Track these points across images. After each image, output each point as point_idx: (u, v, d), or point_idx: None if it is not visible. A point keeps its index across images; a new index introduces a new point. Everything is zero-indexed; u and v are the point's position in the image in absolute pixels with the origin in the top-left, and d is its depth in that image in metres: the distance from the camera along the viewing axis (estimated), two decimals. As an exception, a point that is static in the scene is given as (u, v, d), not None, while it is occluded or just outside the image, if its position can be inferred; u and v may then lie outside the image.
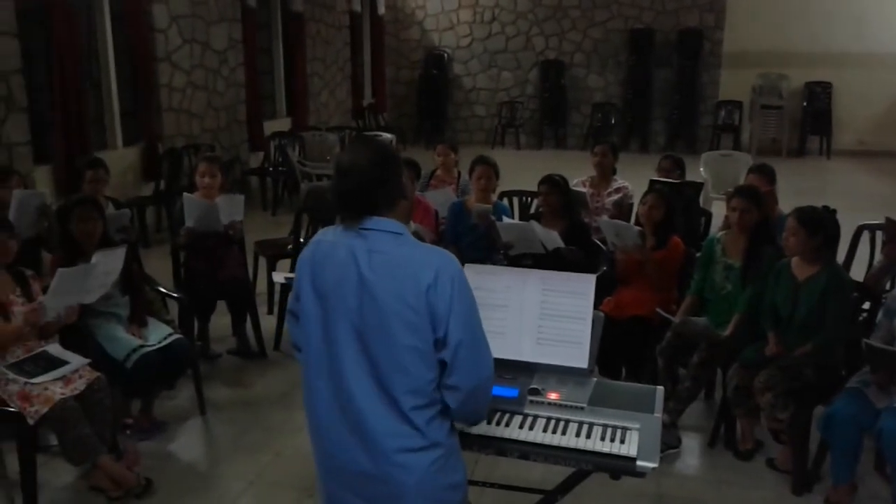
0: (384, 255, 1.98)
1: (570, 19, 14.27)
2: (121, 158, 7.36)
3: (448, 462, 2.05)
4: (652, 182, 5.21)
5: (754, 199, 4.05)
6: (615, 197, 5.44)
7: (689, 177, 5.85)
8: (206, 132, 8.95)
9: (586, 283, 2.57)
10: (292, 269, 5.62)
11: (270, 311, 5.57)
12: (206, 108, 8.97)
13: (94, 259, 3.60)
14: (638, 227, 4.43)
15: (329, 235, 2.11)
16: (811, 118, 13.23)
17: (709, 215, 5.52)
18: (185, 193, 4.81)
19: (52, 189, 5.67)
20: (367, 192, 2.00)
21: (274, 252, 5.84)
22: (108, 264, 3.65)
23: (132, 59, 7.81)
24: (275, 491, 3.59)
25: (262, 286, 5.71)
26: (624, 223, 4.61)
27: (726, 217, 4.33)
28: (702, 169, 7.81)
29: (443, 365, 1.99)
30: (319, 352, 2.05)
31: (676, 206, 4.47)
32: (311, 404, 2.10)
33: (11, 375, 3.35)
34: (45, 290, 3.52)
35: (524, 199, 6.00)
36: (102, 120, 7.66)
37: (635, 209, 5.24)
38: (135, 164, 7.84)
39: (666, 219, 4.32)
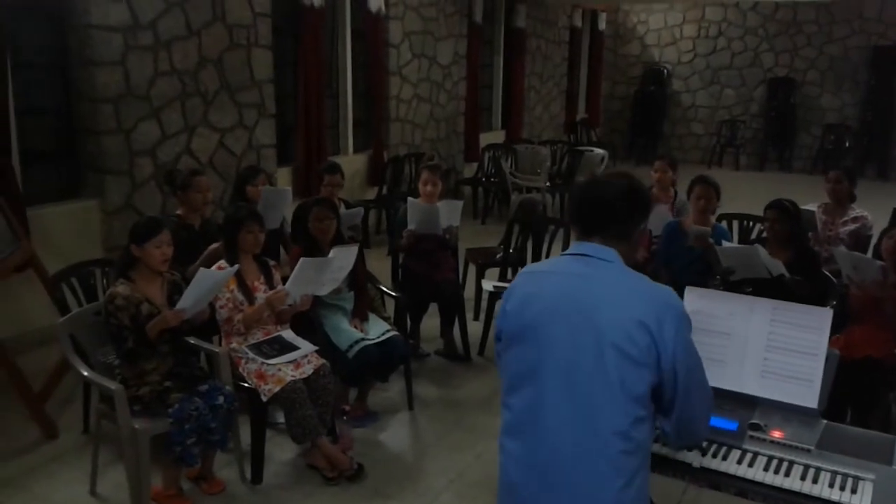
0: (603, 284, 1.92)
1: (805, 35, 13.38)
2: (350, 163, 7.90)
3: None
4: (896, 212, 4.76)
5: None
6: (851, 227, 5.02)
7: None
8: (427, 142, 9.40)
9: (822, 317, 2.41)
10: (500, 278, 5.76)
11: (476, 318, 5.73)
12: (429, 119, 9.42)
13: (331, 254, 3.91)
14: (879, 262, 4.07)
15: (542, 266, 2.10)
16: None
17: (962, 254, 4.94)
18: (409, 198, 5.07)
19: (292, 188, 6.21)
20: (608, 208, 1.98)
21: (484, 260, 6.01)
22: (342, 260, 3.95)
23: (367, 72, 8.38)
24: (475, 492, 3.68)
25: (469, 292, 5.88)
26: (864, 256, 4.24)
27: None
28: (954, 201, 7.01)
29: (661, 402, 1.93)
30: (521, 385, 1.98)
31: (926, 241, 4.04)
32: (506, 441, 2.03)
33: (251, 355, 3.70)
34: (283, 280, 3.88)
35: (745, 223, 5.72)
36: (338, 127, 8.29)
37: (873, 241, 4.83)
38: (362, 170, 8.40)
39: (913, 255, 3.93)
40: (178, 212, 4.53)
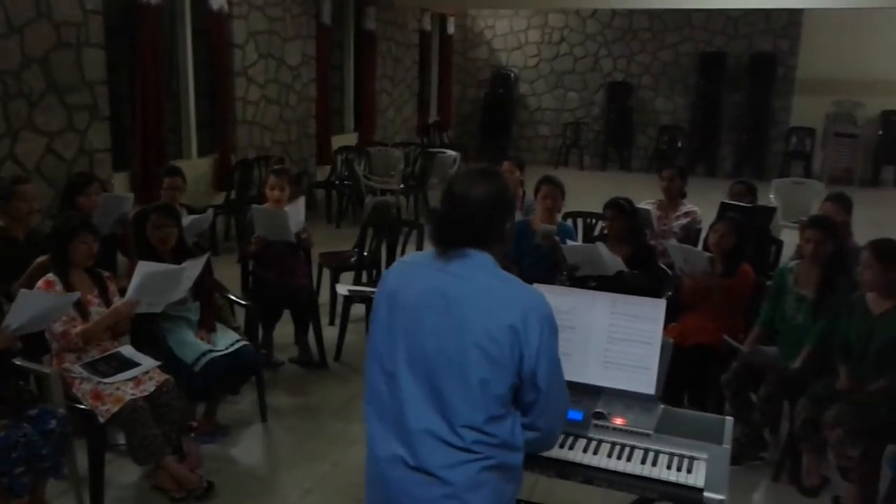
0: (475, 284, 1.92)
1: (640, 42, 14.17)
2: (195, 168, 7.58)
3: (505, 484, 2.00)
4: (723, 205, 5.11)
5: (830, 231, 3.93)
6: (683, 221, 5.36)
7: (759, 203, 5.73)
8: (277, 144, 9.17)
9: (656, 308, 2.53)
10: (355, 282, 5.71)
11: (332, 322, 5.65)
12: (278, 122, 9.20)
13: (183, 264, 3.72)
14: (707, 253, 4.36)
15: (418, 258, 2.08)
16: (886, 147, 12.84)
17: (780, 243, 5.39)
18: (253, 205, 4.92)
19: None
20: (474, 225, 1.95)
21: (338, 264, 5.93)
22: (191, 270, 3.76)
23: (210, 73, 8.07)
24: (332, 500, 3.62)
25: (324, 297, 5.80)
26: (693, 248, 4.55)
27: (799, 246, 4.22)
28: (772, 196, 7.64)
29: (521, 404, 1.97)
30: (381, 370, 2.00)
31: (747, 232, 4.38)
32: (369, 424, 2.06)
33: (85, 374, 3.45)
34: (121, 292, 3.65)
35: (589, 220, 5.97)
36: (180, 130, 7.92)
37: (703, 234, 5.16)
38: (207, 174, 8.07)
39: (736, 246, 4.23)
40: (0, 223, 4.17)
